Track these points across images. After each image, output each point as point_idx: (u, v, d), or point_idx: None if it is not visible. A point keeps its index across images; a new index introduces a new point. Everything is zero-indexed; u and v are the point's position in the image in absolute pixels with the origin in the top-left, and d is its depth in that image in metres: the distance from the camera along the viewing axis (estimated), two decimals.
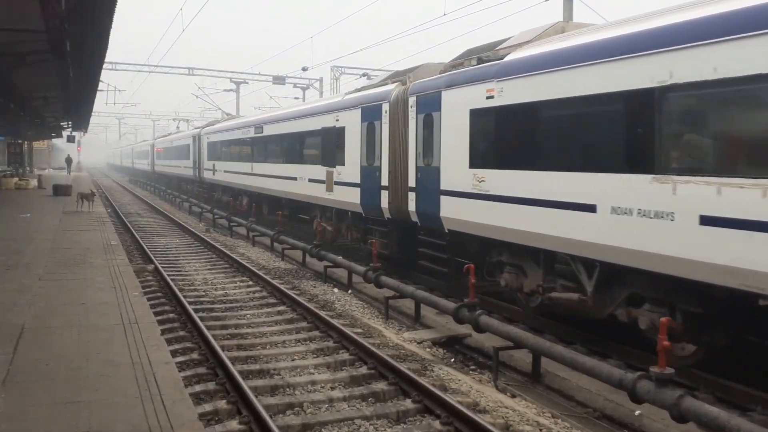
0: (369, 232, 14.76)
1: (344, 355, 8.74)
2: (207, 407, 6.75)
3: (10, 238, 14.64)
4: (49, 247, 13.48)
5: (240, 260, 15.84)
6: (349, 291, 13.61)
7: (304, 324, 10.43)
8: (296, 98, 43.23)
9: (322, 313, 10.50)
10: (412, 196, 12.48)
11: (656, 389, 6.13)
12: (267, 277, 13.61)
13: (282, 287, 12.66)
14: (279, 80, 41.56)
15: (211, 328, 9.84)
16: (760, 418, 6.06)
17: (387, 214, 13.62)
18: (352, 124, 14.97)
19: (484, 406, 7.20)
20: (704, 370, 7.44)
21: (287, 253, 17.95)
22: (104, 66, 20.45)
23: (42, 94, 28.06)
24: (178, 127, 60.16)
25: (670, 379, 6.16)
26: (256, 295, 12.66)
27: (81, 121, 45.74)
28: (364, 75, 38.12)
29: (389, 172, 13.39)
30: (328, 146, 16.41)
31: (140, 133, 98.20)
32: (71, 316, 7.97)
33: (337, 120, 15.87)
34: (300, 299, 11.54)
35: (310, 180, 17.58)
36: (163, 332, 8.78)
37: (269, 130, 21.94)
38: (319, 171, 16.92)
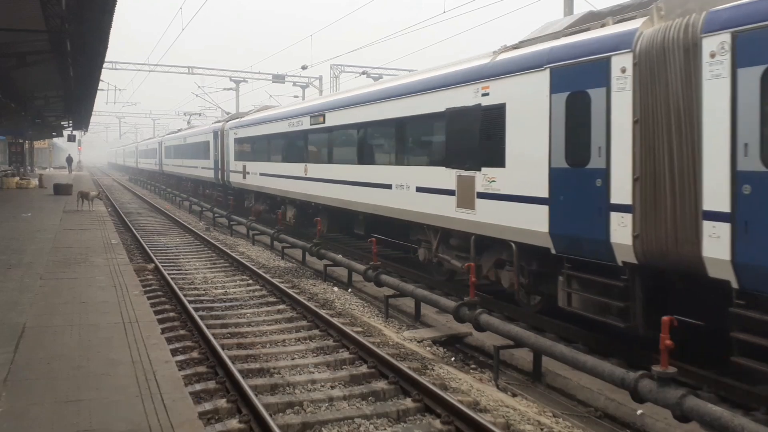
0: (553, 279, 8.98)
1: (344, 354, 8.73)
2: (207, 406, 6.75)
3: (12, 237, 14.64)
4: (50, 247, 13.48)
5: (240, 259, 15.83)
6: (349, 290, 13.60)
7: (304, 323, 10.42)
8: (296, 96, 43.24)
9: (322, 312, 10.49)
10: (720, 229, 6.56)
11: (658, 388, 6.12)
12: (267, 276, 13.60)
13: (282, 286, 12.65)
14: (279, 79, 41.65)
15: (211, 326, 9.84)
16: (764, 418, 6.06)
17: (627, 257, 7.71)
18: (527, 97, 9.16)
19: (484, 405, 7.19)
20: (707, 369, 7.43)
21: (287, 251, 17.94)
22: (104, 65, 20.47)
23: (43, 94, 28.13)
24: (189, 122, 53.31)
25: (672, 379, 6.14)
26: (256, 293, 12.66)
27: (82, 121, 45.81)
28: (363, 73, 38.21)
29: (635, 180, 7.54)
30: (461, 137, 10.64)
31: (140, 132, 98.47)
32: (72, 315, 7.97)
33: (484, 94, 10.12)
34: (300, 298, 11.53)
35: (421, 189, 11.92)
36: (163, 331, 8.79)
37: (337, 119, 15.88)
38: (440, 176, 11.24)
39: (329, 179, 16.25)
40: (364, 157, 14.50)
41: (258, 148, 23.17)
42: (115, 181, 63.98)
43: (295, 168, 18.75)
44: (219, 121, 32.23)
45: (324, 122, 16.58)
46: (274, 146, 21.29)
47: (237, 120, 26.88)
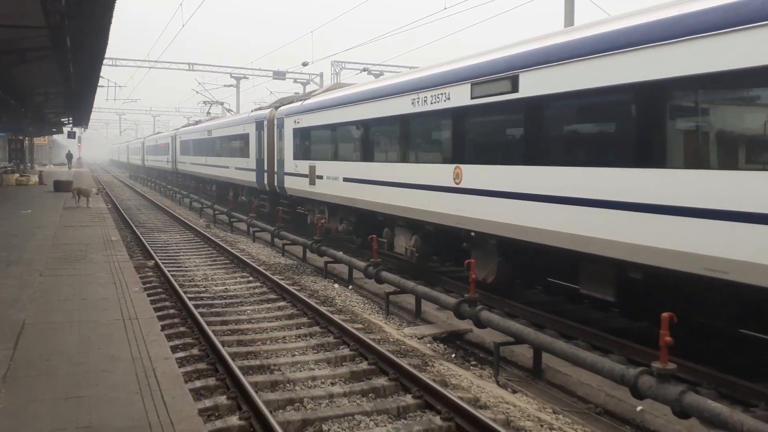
0: None
1: (344, 351, 8.73)
2: (207, 403, 6.74)
3: (11, 234, 14.64)
4: (49, 243, 13.47)
5: (240, 256, 15.83)
6: (350, 286, 13.60)
7: (304, 320, 10.42)
8: (296, 93, 43.10)
9: (323, 309, 10.49)
10: None
11: (658, 385, 6.12)
12: (267, 273, 13.60)
13: (282, 283, 12.65)
14: (279, 75, 41.69)
15: (211, 323, 9.83)
16: (763, 414, 6.06)
17: None
18: None
19: (484, 401, 7.19)
20: (706, 366, 7.43)
21: (288, 248, 17.93)
22: (104, 62, 20.47)
23: (43, 90, 28.17)
24: (209, 113, 45.88)
25: (672, 375, 6.14)
26: (257, 290, 12.65)
27: (82, 117, 45.84)
28: (364, 70, 38.20)
29: None
30: None
31: (141, 129, 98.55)
32: (72, 312, 7.96)
33: None
34: (300, 295, 11.53)
35: None
36: (163, 328, 8.78)
37: (558, 81, 8.58)
38: None
39: (529, 194, 9.24)
40: (678, 155, 7.07)
41: (343, 141, 16.11)
42: (115, 178, 64.00)
43: (430, 173, 11.80)
44: (261, 108, 25.20)
45: (516, 91, 9.41)
46: (378, 138, 14.22)
47: (298, 104, 19.41)
